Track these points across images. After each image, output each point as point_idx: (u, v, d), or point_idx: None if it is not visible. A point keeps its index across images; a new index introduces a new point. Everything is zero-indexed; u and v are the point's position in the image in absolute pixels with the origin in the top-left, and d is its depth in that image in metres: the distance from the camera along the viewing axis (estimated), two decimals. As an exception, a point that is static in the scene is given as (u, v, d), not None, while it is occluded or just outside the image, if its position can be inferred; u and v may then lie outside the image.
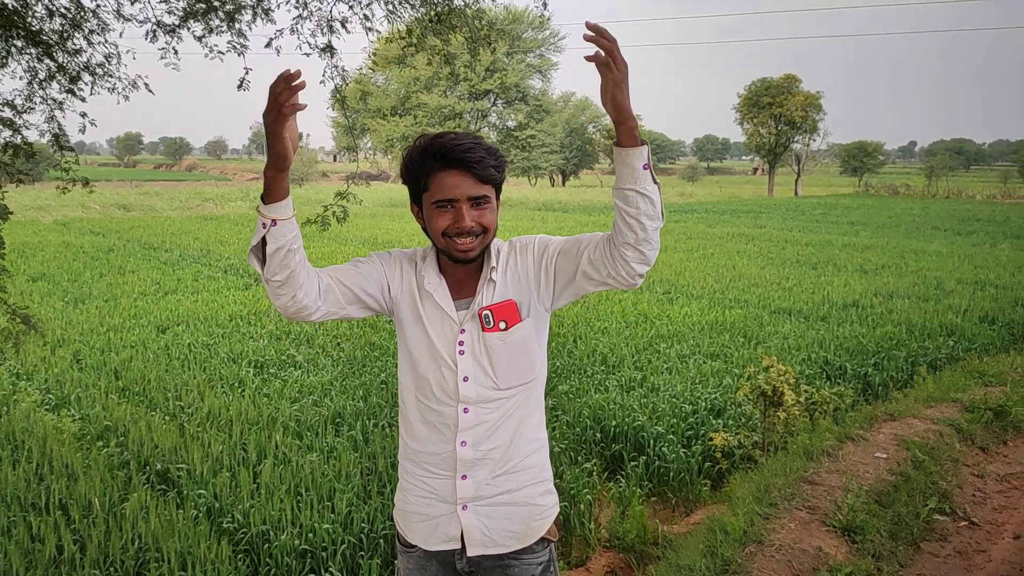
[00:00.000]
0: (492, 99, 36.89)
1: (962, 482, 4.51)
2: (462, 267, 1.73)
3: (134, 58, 5.16)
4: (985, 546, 3.80)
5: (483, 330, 1.71)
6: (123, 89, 5.06)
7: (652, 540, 4.06)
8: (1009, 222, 25.78)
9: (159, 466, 4.64)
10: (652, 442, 5.12)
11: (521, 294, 1.74)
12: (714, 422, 5.47)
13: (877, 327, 8.64)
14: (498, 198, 1.71)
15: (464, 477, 1.74)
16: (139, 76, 5.10)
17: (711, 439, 4.91)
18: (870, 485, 4.01)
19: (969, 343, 8.16)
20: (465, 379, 1.71)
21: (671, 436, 5.16)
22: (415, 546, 1.82)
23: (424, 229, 1.75)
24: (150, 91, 5.01)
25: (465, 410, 1.72)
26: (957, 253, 16.16)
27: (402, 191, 47.64)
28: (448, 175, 1.62)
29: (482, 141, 1.65)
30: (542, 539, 1.82)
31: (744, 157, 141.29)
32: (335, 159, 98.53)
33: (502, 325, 1.71)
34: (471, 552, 1.76)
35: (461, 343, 1.72)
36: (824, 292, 10.89)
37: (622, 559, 3.99)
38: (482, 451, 1.73)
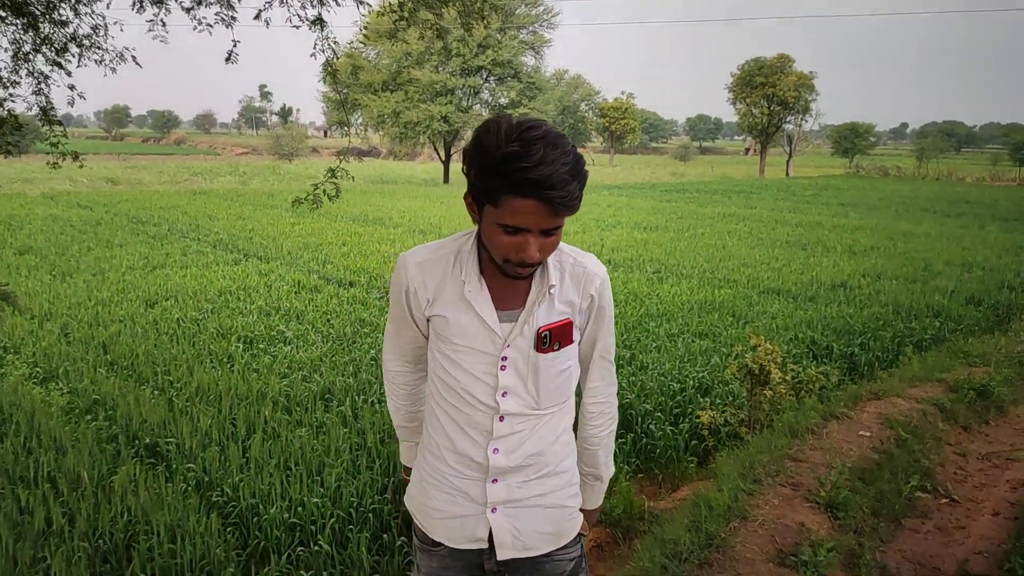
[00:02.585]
0: (484, 76, 36.57)
1: (944, 460, 4.58)
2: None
3: (121, 30, 5.09)
4: (965, 522, 3.86)
5: (538, 350, 1.59)
6: (111, 61, 5.00)
7: (639, 515, 4.11)
8: (998, 204, 25.94)
9: (148, 440, 4.64)
10: (640, 419, 5.16)
11: (572, 316, 1.65)
12: (702, 400, 5.52)
13: (864, 307, 8.70)
14: None
15: (495, 481, 1.66)
16: (126, 48, 5.04)
17: (698, 417, 4.96)
18: (853, 462, 4.07)
19: (955, 324, 8.24)
20: (504, 394, 1.62)
21: (659, 414, 5.20)
22: (440, 544, 1.72)
23: (476, 222, 1.58)
24: (137, 64, 4.95)
25: (501, 418, 1.63)
26: (946, 235, 16.26)
27: (393, 168, 47.50)
28: (526, 203, 1.40)
29: (569, 160, 1.39)
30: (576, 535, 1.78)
31: (736, 137, 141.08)
32: (325, 134, 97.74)
33: (556, 346, 1.61)
34: (501, 556, 1.68)
35: (504, 359, 1.60)
36: (813, 273, 10.94)
37: (608, 534, 4.04)
38: (515, 458, 1.65)
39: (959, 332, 7.93)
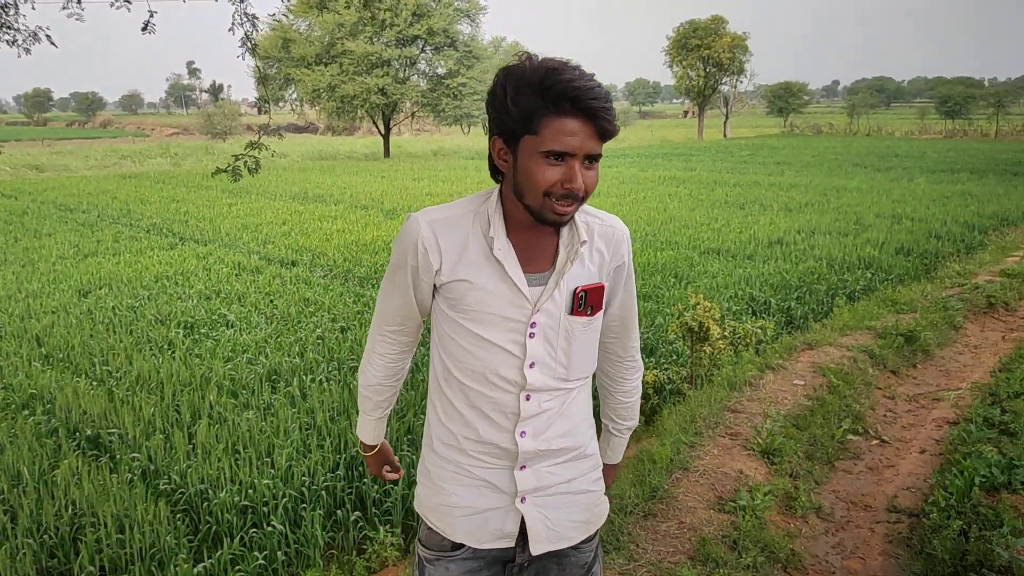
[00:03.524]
0: (421, 46, 35.99)
1: (874, 404, 4.80)
2: (536, 231, 1.45)
3: (33, 8, 4.88)
4: (894, 461, 4.08)
5: (573, 313, 1.47)
6: (23, 42, 4.79)
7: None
8: (926, 157, 26.86)
9: (89, 432, 4.55)
10: (586, 382, 5.26)
11: (603, 279, 1.54)
12: (647, 360, 5.65)
13: (800, 262, 8.98)
14: None
15: (523, 468, 1.52)
16: (39, 27, 4.83)
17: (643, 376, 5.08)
18: (788, 410, 4.24)
19: (886, 274, 8.57)
20: (532, 365, 1.47)
21: (604, 375, 5.30)
22: (462, 546, 1.54)
23: (496, 173, 1.47)
24: (53, 44, 4.75)
25: (527, 397, 1.49)
26: (876, 188, 16.80)
27: (332, 144, 46.59)
28: (570, 122, 1.31)
29: (601, 84, 1.34)
30: None
31: (675, 100, 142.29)
32: (260, 111, 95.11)
33: (589, 310, 1.49)
34: (536, 550, 1.53)
35: (534, 324, 1.45)
36: (751, 231, 11.21)
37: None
38: (544, 440, 1.51)
39: (889, 282, 8.26)
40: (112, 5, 4.53)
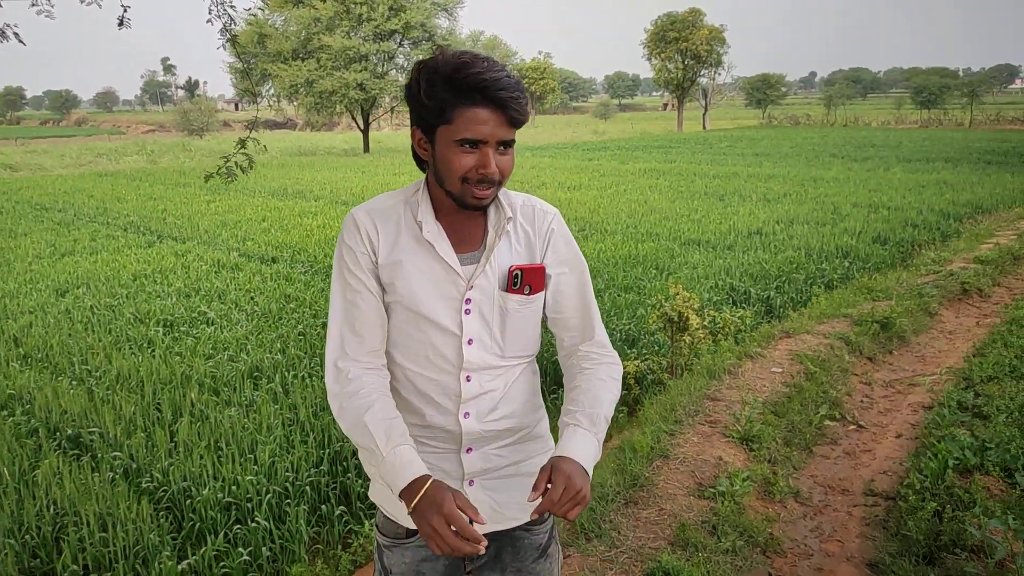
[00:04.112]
0: (398, 40, 35.81)
1: (851, 390, 4.88)
2: (463, 215, 1.51)
3: (1, 5, 4.81)
4: (871, 446, 4.15)
5: (508, 290, 1.52)
6: (-9, 39, 4.72)
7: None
8: (902, 146, 27.15)
9: (70, 431, 4.52)
10: (568, 374, 5.28)
11: (537, 259, 1.57)
12: (628, 352, 5.69)
13: (779, 253, 9.07)
14: None
15: (469, 451, 1.56)
16: (7, 25, 4.76)
17: (624, 367, 5.12)
18: (766, 397, 4.30)
19: (863, 263, 8.69)
20: (470, 342, 1.52)
21: (586, 367, 5.33)
22: (415, 533, 1.58)
23: (420, 162, 1.53)
24: (21, 41, 4.68)
25: (468, 378, 1.52)
26: (853, 179, 16.98)
27: (311, 140, 46.26)
28: (480, 111, 1.39)
29: (511, 72, 1.42)
30: None
31: (654, 93, 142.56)
32: (236, 107, 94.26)
33: (527, 289, 1.53)
34: (480, 530, 1.48)
35: (468, 301, 1.51)
36: (731, 222, 11.30)
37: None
38: (488, 422, 1.55)
39: (866, 270, 8.37)
40: (83, 2, 4.48)
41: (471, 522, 1.31)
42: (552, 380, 5.16)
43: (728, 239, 10.09)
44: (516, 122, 1.42)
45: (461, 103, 1.38)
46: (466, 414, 1.53)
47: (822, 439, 4.17)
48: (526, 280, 1.53)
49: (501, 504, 1.58)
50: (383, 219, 1.52)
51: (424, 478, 1.36)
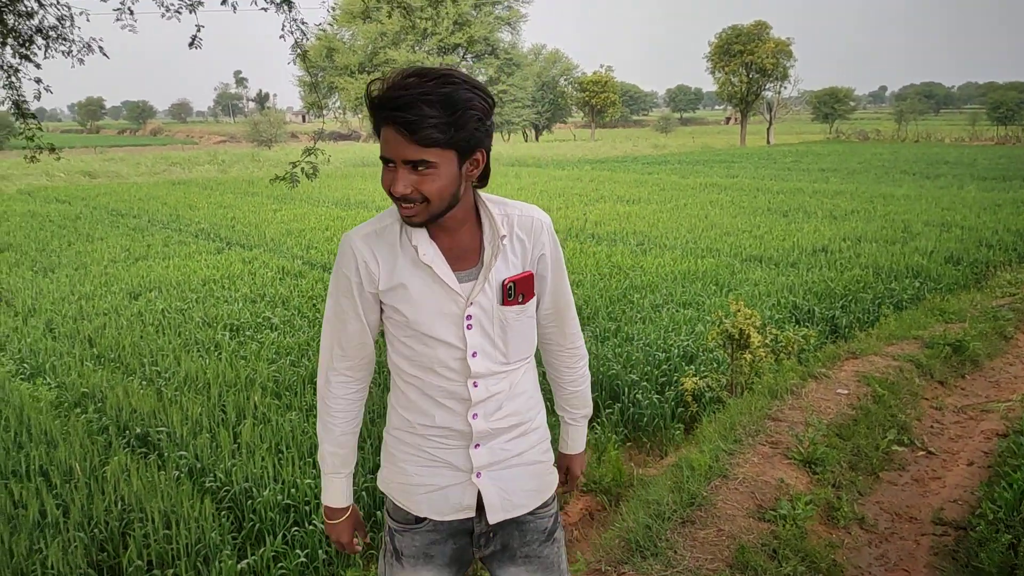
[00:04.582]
0: (462, 54, 36.30)
1: (921, 414, 4.70)
2: (457, 234, 1.55)
3: (88, 20, 5.06)
4: (941, 473, 3.98)
5: (504, 303, 1.58)
6: (78, 53, 4.97)
7: (628, 483, 4.20)
8: (976, 164, 26.14)
9: (138, 430, 4.68)
10: (627, 389, 5.24)
11: (529, 267, 1.64)
12: (687, 368, 5.60)
13: (845, 271, 8.82)
14: (468, 158, 1.44)
15: (477, 446, 1.65)
16: (93, 39, 5.01)
17: (682, 384, 5.04)
18: (831, 419, 4.17)
19: (935, 283, 8.37)
20: (474, 354, 1.59)
21: (645, 383, 5.28)
22: (424, 519, 1.69)
23: None
24: (104, 54, 4.92)
25: (475, 384, 1.61)
26: (925, 196, 16.41)
27: (373, 151, 47.08)
28: (386, 130, 1.40)
29: (435, 89, 1.35)
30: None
31: (717, 107, 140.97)
32: (304, 119, 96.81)
33: (520, 298, 1.60)
34: (492, 519, 1.67)
35: (469, 317, 1.57)
36: (794, 239, 11.04)
37: (598, 502, 4.13)
38: (495, 420, 1.64)
39: (938, 291, 8.06)
40: (163, 16, 4.69)
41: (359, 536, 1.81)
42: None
43: (791, 256, 9.85)
44: (423, 140, 1.36)
45: (377, 122, 1.42)
46: (475, 415, 1.62)
47: (889, 464, 4.01)
48: (519, 290, 1.60)
49: (508, 492, 1.69)
50: (379, 243, 1.56)
51: (344, 510, 1.75)
